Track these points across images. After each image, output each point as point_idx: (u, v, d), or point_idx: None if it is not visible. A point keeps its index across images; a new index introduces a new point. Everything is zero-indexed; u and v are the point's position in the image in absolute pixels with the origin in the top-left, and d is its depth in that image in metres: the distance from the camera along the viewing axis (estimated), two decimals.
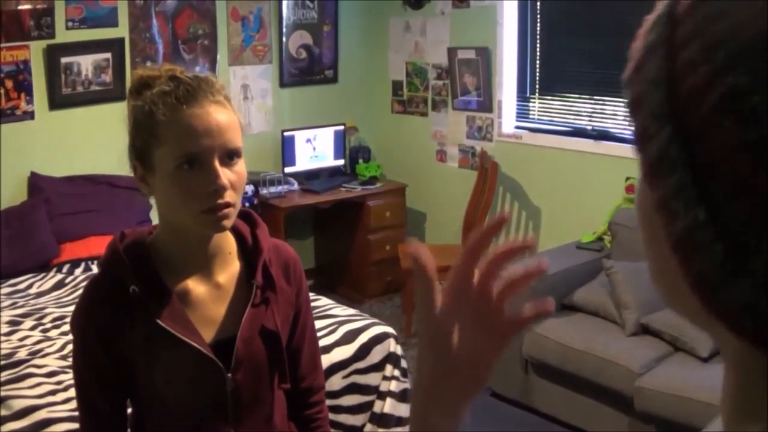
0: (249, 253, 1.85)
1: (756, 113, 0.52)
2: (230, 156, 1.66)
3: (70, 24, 5.73)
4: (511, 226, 6.12)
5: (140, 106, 1.67)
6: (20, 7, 5.50)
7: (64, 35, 5.71)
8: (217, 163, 1.62)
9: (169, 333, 1.70)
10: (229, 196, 1.64)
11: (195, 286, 1.78)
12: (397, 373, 4.08)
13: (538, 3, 5.82)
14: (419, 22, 6.74)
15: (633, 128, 0.62)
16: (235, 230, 1.85)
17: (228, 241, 1.83)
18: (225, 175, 1.63)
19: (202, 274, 1.79)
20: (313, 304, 4.37)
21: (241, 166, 1.69)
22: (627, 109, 0.63)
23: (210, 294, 1.80)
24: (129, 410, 1.90)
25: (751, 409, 0.63)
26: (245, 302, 1.81)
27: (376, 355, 4.03)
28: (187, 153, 1.61)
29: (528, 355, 4.59)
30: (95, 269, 3.87)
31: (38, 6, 5.56)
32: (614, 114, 5.42)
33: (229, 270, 1.83)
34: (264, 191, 6.46)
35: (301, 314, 1.96)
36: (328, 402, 3.76)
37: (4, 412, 3.40)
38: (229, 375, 1.76)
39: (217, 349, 1.75)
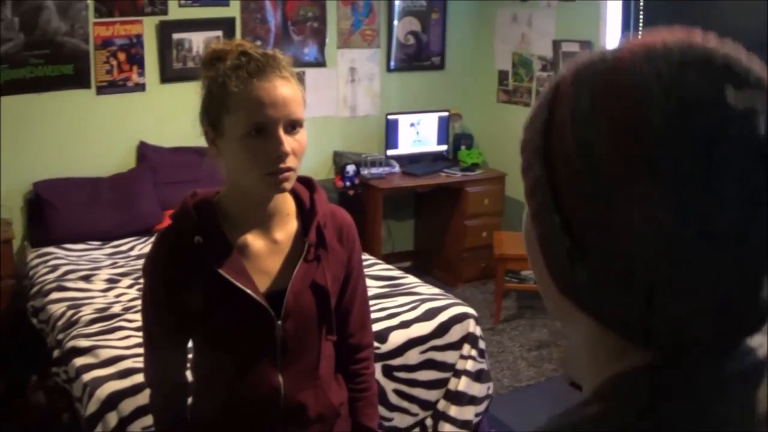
0: (306, 214, 1.99)
1: (593, 148, 0.74)
2: (293, 126, 1.80)
3: (182, 2, 5.97)
4: None
5: (213, 77, 1.81)
6: None
7: (176, 12, 5.95)
8: (281, 132, 1.76)
9: (226, 280, 1.84)
10: (290, 162, 1.78)
11: (254, 240, 1.92)
12: (474, 353, 4.13)
13: (641, 1, 5.77)
14: (526, 13, 6.74)
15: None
16: (294, 193, 1.99)
17: (287, 203, 1.97)
18: (287, 142, 1.77)
19: (261, 230, 1.93)
20: (399, 281, 4.54)
21: (302, 136, 1.82)
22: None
23: (267, 249, 1.93)
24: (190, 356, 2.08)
25: (590, 384, 0.82)
26: (298, 258, 1.94)
27: (454, 334, 4.08)
28: (255, 122, 1.76)
29: None
30: None
31: None
32: None
33: (287, 229, 1.96)
34: (365, 172, 6.59)
35: (352, 276, 2.09)
36: (405, 375, 3.88)
37: (91, 360, 3.61)
38: (279, 323, 1.89)
39: (271, 299, 1.88)
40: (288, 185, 1.82)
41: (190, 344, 2.06)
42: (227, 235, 1.89)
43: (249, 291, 1.85)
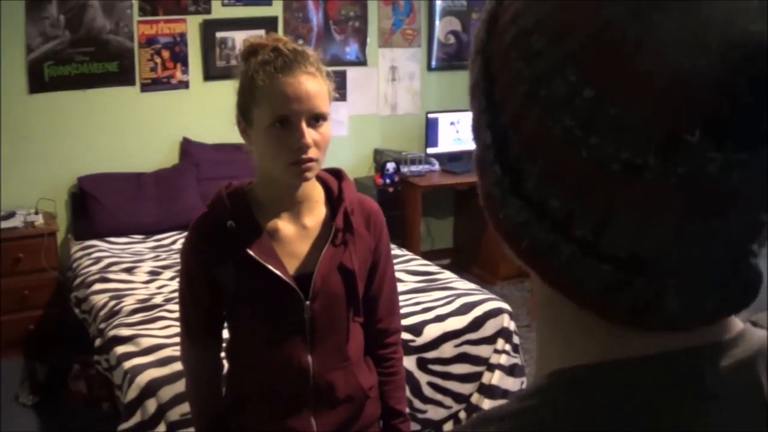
0: (334, 201, 2.06)
1: (536, 52, 0.60)
2: (316, 119, 1.88)
3: (225, 1, 6.08)
4: None
5: (245, 70, 1.92)
6: None
7: (219, 11, 6.06)
8: (303, 125, 1.85)
9: (257, 262, 1.93)
10: (312, 153, 1.87)
11: (284, 225, 2.01)
12: (508, 347, 4.15)
13: None
14: None
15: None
16: (323, 182, 2.08)
17: (316, 191, 2.05)
18: (310, 134, 1.86)
19: (290, 216, 2.02)
20: (436, 276, 4.57)
21: (325, 128, 1.91)
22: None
23: (296, 233, 2.02)
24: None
25: (542, 358, 0.72)
26: (326, 242, 2.02)
27: (489, 329, 4.11)
28: (279, 114, 1.85)
29: None
30: None
31: None
32: None
33: (315, 215, 2.04)
34: (405, 169, 6.63)
35: (380, 264, 2.14)
36: (439, 368, 3.92)
37: (132, 348, 3.69)
38: (308, 303, 1.97)
39: (300, 281, 1.96)
40: (310, 174, 1.91)
41: (225, 335, 2.14)
42: (258, 220, 1.99)
43: (278, 272, 1.93)
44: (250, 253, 1.93)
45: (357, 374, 2.10)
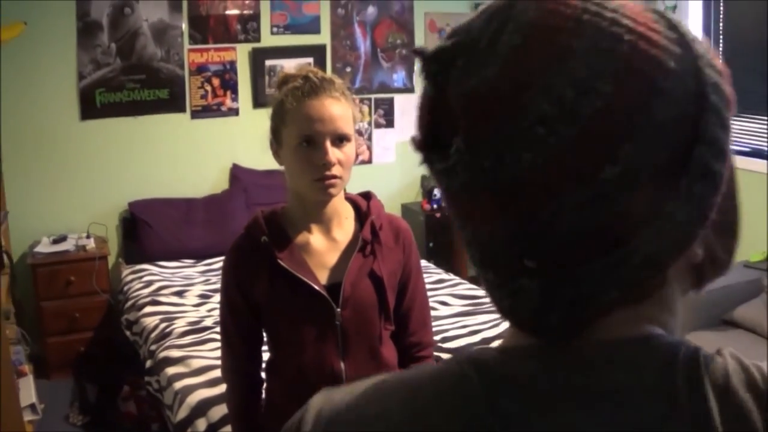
0: (363, 217, 2.20)
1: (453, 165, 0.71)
2: (340, 139, 2.03)
3: (274, 29, 6.14)
4: None
5: (277, 96, 2.08)
6: (227, 12, 5.97)
7: (268, 39, 6.12)
8: (328, 144, 2.00)
9: (289, 273, 2.06)
10: (336, 170, 2.02)
11: (314, 239, 2.15)
12: None
13: (721, 35, 5.71)
14: None
15: None
16: (353, 203, 2.23)
17: (345, 208, 2.20)
18: (333, 153, 2.01)
19: (321, 231, 2.16)
20: (482, 300, 4.58)
21: (349, 149, 2.06)
22: None
23: (326, 246, 2.15)
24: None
25: None
26: (354, 252, 2.14)
27: None
28: (305, 134, 2.01)
29: None
30: None
31: (245, 12, 6.01)
32: None
33: (345, 229, 2.18)
34: None
35: (411, 278, 2.25)
36: None
37: (183, 369, 3.72)
38: (338, 310, 2.08)
39: (331, 290, 2.09)
40: (335, 191, 2.05)
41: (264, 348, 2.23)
42: (290, 235, 2.12)
43: (309, 281, 2.06)
44: (282, 264, 2.04)
45: None
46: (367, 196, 2.25)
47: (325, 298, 2.06)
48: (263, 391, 2.25)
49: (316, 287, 2.06)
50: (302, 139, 1.99)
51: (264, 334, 2.19)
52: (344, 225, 2.16)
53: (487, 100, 0.66)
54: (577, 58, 0.64)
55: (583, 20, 0.66)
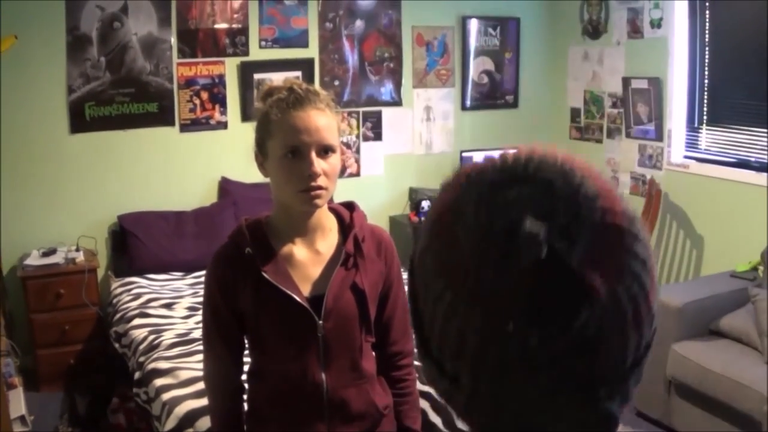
0: (346, 229, 2.21)
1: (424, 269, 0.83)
2: (325, 150, 2.04)
3: (263, 43, 6.20)
4: (675, 252, 6.08)
5: (262, 108, 2.09)
6: (216, 26, 6.04)
7: (257, 53, 6.18)
8: (313, 155, 2.01)
9: (272, 284, 2.07)
10: (321, 181, 2.02)
11: (298, 251, 2.15)
12: None
13: (707, 35, 5.79)
14: (597, 51, 6.78)
15: None
16: (336, 213, 2.24)
17: (329, 220, 2.21)
18: (319, 164, 2.01)
19: (304, 242, 2.16)
20: None
21: (334, 159, 2.07)
22: None
23: (310, 258, 2.16)
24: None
25: None
26: (338, 265, 2.15)
27: None
28: (290, 145, 2.01)
29: (671, 375, 4.57)
30: None
31: (233, 26, 6.08)
32: None
33: (328, 241, 2.19)
34: None
35: (392, 288, 2.27)
36: None
37: (171, 381, 3.76)
38: (320, 322, 2.10)
39: (313, 302, 2.11)
40: (320, 202, 2.06)
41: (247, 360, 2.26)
42: (274, 247, 2.13)
43: (292, 293, 2.07)
44: (266, 276, 2.06)
45: (371, 392, 2.22)
46: (350, 206, 2.27)
47: (308, 311, 2.08)
48: (245, 399, 2.28)
49: (300, 300, 2.08)
50: (287, 150, 2.00)
51: (246, 342, 2.21)
52: (328, 237, 2.18)
53: None
54: None
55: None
